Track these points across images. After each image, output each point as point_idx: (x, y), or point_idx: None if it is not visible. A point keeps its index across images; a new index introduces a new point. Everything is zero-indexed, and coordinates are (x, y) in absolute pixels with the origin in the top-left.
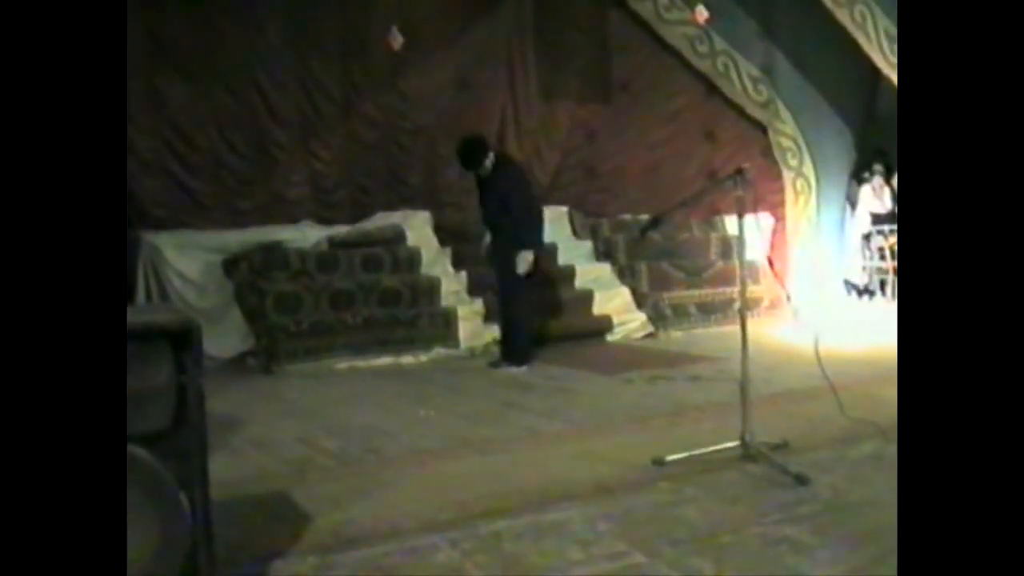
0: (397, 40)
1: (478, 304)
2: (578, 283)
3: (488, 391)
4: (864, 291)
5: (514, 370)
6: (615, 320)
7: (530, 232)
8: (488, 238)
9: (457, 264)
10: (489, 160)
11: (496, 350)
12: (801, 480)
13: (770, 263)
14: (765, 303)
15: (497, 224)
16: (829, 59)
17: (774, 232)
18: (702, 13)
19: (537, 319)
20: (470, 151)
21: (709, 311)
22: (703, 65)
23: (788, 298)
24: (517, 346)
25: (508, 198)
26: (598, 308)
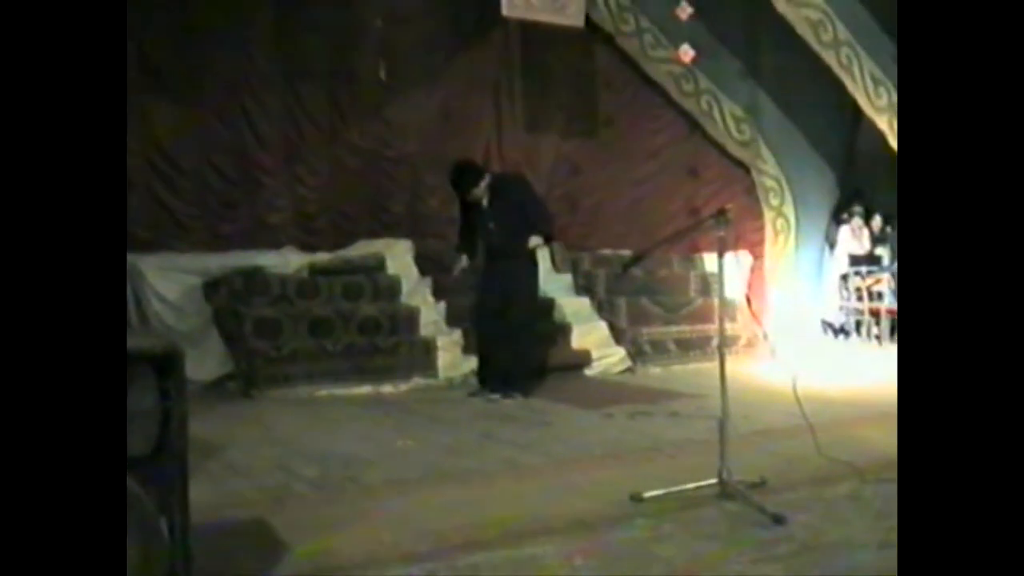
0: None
1: (457, 334)
2: (557, 316)
3: (467, 422)
4: (840, 331)
5: (517, 398)
6: (594, 354)
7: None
8: (464, 262)
9: (437, 294)
10: (485, 183)
11: (473, 379)
12: (778, 519)
13: (748, 301)
14: (743, 341)
15: (511, 246)
16: (812, 100)
17: (753, 270)
18: (687, 53)
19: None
20: (461, 173)
21: (687, 348)
22: (687, 103)
23: (765, 336)
24: (523, 374)
25: (527, 205)
26: (577, 342)
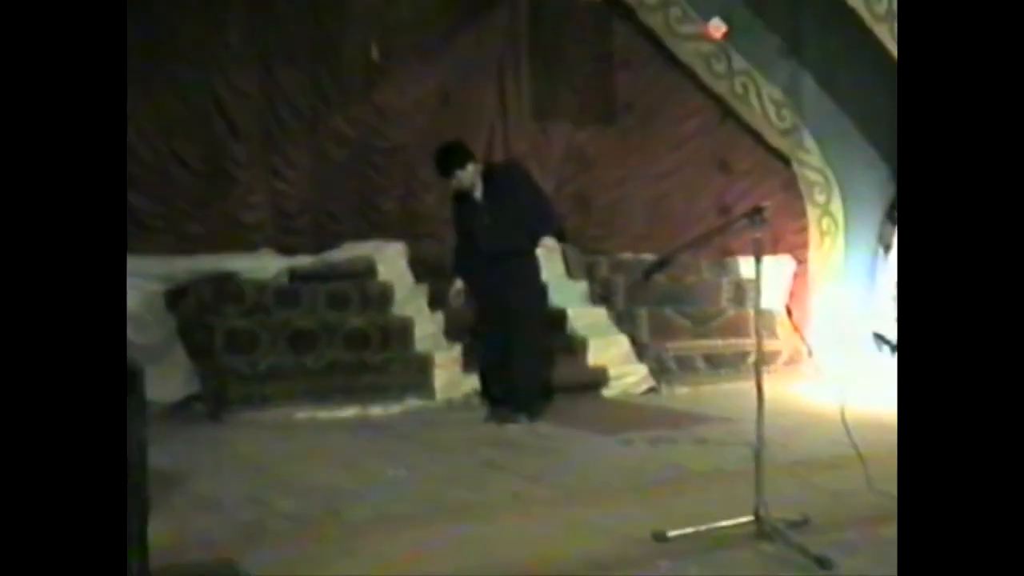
0: None
1: (457, 350)
2: (570, 329)
3: (467, 449)
4: (896, 346)
5: (523, 422)
6: (611, 372)
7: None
8: (458, 283)
9: (434, 303)
10: (473, 167)
11: (477, 400)
12: (822, 563)
13: (789, 312)
14: (783, 358)
15: (510, 245)
16: (863, 81)
17: (795, 277)
18: (718, 28)
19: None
20: (445, 153)
21: (719, 365)
22: (719, 86)
23: (809, 352)
24: (533, 393)
25: (525, 197)
26: (592, 358)
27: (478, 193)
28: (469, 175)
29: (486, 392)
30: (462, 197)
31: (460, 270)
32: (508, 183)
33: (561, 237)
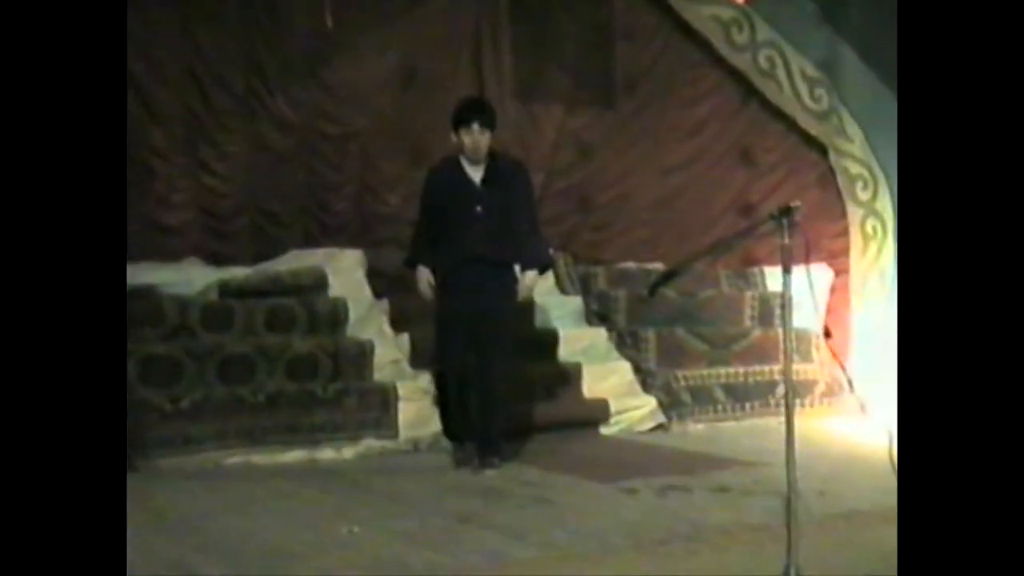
0: None
1: (425, 379)
2: (562, 354)
3: (437, 500)
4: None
5: (497, 465)
6: (613, 406)
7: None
8: (425, 272)
9: (397, 323)
10: (488, 137)
11: (447, 442)
12: None
13: (827, 334)
14: (819, 388)
15: (498, 247)
16: None
17: (832, 291)
18: None
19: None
20: (482, 103)
21: (742, 397)
22: (740, 60)
23: (850, 383)
24: (505, 430)
25: (530, 210)
26: (589, 389)
27: (479, 177)
28: (487, 142)
29: (452, 428)
30: (452, 171)
31: (423, 261)
32: (514, 181)
33: (543, 270)
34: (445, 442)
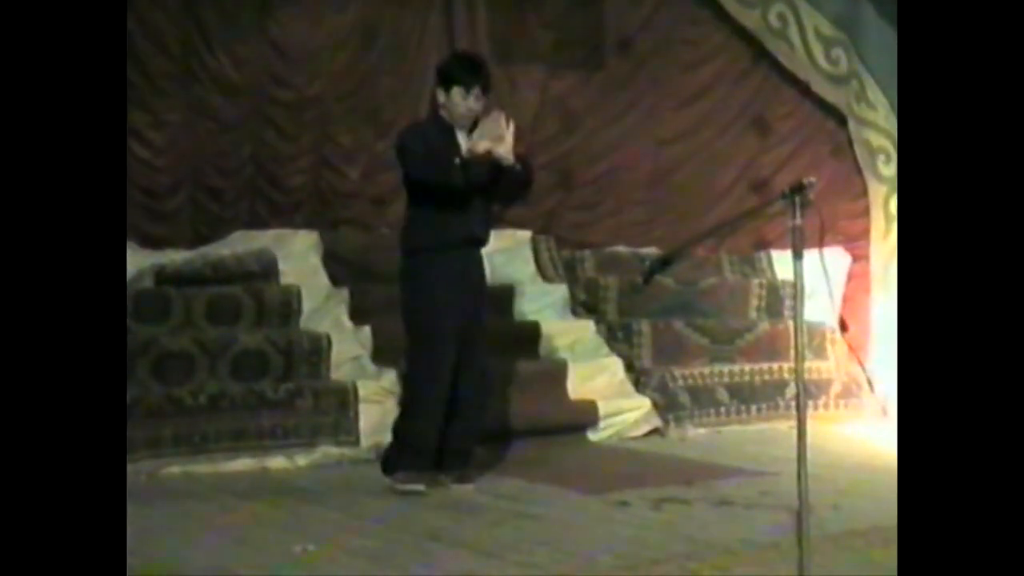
0: None
1: (389, 378)
2: (544, 350)
3: (403, 515)
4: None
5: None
6: (602, 408)
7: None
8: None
9: (358, 314)
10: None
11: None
12: None
13: (843, 327)
14: (835, 388)
15: (486, 228)
16: None
17: (850, 278)
18: None
19: None
20: (483, 64)
21: (747, 398)
22: (748, 17)
23: (869, 383)
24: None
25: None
26: (575, 389)
27: (465, 146)
28: (480, 107)
29: (410, 460)
30: (441, 134)
31: (425, 245)
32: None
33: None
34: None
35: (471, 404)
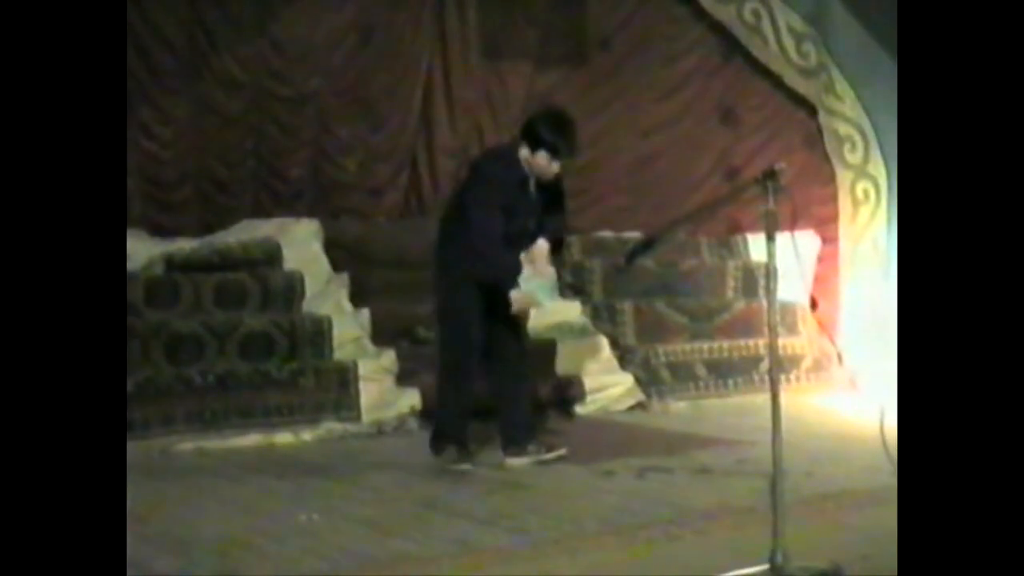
0: None
1: (388, 357)
2: (532, 329)
3: (402, 485)
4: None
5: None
6: (587, 384)
7: None
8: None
9: (358, 298)
10: None
11: (416, 424)
12: None
13: (814, 304)
14: (806, 363)
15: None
16: None
17: (820, 259)
18: None
19: None
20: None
21: (725, 373)
22: (724, 13)
23: (839, 357)
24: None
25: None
26: (562, 366)
27: (534, 185)
28: (558, 169)
29: (451, 429)
30: (519, 178)
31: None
32: (555, 182)
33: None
34: (411, 423)
35: (519, 372)
